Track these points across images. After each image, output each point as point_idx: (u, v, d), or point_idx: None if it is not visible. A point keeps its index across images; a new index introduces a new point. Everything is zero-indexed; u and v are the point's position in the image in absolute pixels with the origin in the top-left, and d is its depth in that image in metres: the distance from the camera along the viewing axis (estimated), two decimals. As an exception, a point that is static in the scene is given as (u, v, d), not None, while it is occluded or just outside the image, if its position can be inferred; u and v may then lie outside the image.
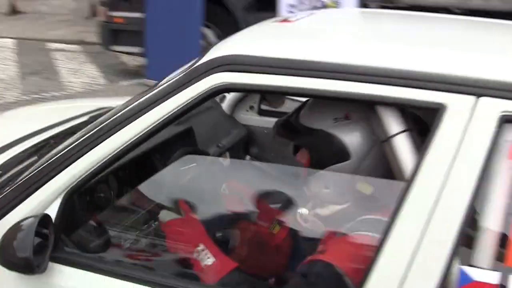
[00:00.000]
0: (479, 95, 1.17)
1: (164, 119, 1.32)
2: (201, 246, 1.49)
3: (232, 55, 1.33)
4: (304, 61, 1.29)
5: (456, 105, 1.18)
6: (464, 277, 1.16)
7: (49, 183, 1.37)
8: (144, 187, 1.74)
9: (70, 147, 1.38)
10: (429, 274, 1.16)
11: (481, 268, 1.16)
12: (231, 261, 1.50)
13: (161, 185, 1.77)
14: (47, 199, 1.38)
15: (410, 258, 1.16)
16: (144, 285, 1.34)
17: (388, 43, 1.45)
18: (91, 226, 1.50)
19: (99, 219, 1.55)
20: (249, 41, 1.49)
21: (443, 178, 1.16)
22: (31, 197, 1.38)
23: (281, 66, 1.29)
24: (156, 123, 1.32)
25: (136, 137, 1.33)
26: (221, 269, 1.47)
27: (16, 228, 1.31)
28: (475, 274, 1.16)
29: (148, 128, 1.33)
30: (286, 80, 1.29)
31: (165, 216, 1.57)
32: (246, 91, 1.39)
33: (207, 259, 1.48)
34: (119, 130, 1.34)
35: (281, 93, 1.37)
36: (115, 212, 1.71)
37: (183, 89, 1.31)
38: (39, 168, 1.41)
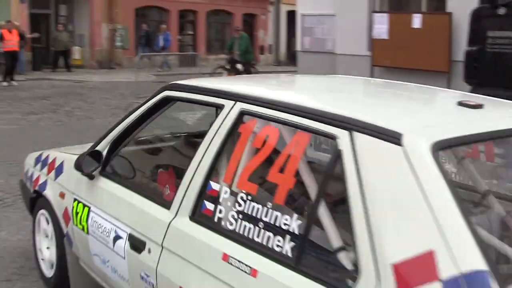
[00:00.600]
0: (236, 101, 2.46)
1: (142, 114, 2.96)
2: (167, 186, 3.02)
3: (174, 83, 2.90)
4: (200, 87, 2.77)
5: (226, 105, 2.48)
6: (210, 186, 2.42)
7: (105, 138, 3.15)
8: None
9: (111, 127, 3.15)
10: (197, 186, 2.45)
11: (218, 183, 2.41)
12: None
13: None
14: (104, 146, 3.14)
15: (191, 178, 2.49)
16: (139, 194, 2.92)
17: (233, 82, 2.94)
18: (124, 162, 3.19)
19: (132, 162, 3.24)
20: (192, 79, 3.01)
21: (207, 145, 2.47)
22: (99, 144, 3.17)
23: (193, 89, 2.80)
24: (138, 116, 2.97)
25: (130, 123, 3.01)
26: (170, 196, 2.96)
27: (85, 152, 3.12)
28: (213, 185, 2.41)
29: (135, 119, 2.98)
30: (194, 96, 2.78)
31: (160, 169, 3.17)
32: (180, 100, 2.85)
33: (167, 191, 3.00)
34: (124, 120, 3.04)
35: (193, 103, 2.82)
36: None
37: (150, 99, 2.94)
38: (104, 134, 3.21)
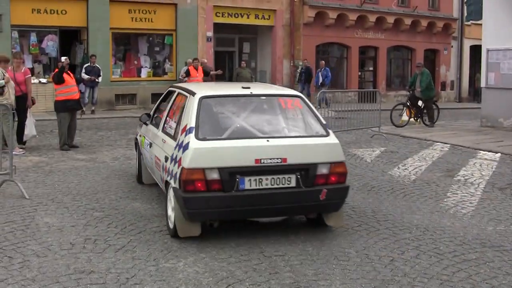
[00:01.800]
0: (178, 89, 7.79)
1: (162, 98, 8.44)
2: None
3: (172, 85, 8.33)
4: (175, 86, 8.17)
5: (175, 91, 7.82)
6: (167, 118, 7.75)
7: (153, 109, 8.67)
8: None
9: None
10: (163, 118, 7.82)
11: (168, 117, 7.76)
12: None
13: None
14: (152, 111, 8.66)
15: (162, 116, 7.87)
16: (156, 128, 8.32)
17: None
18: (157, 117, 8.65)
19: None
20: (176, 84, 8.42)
21: (168, 105, 7.81)
22: (151, 111, 8.69)
23: (174, 87, 8.22)
24: (161, 99, 8.46)
25: (159, 102, 8.51)
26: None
27: (144, 113, 8.71)
28: (168, 119, 7.76)
29: (161, 99, 8.48)
30: (174, 89, 8.17)
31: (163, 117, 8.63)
32: (172, 92, 8.04)
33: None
34: (157, 102, 8.54)
35: (173, 92, 8.09)
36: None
37: (165, 92, 8.41)
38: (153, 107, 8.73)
